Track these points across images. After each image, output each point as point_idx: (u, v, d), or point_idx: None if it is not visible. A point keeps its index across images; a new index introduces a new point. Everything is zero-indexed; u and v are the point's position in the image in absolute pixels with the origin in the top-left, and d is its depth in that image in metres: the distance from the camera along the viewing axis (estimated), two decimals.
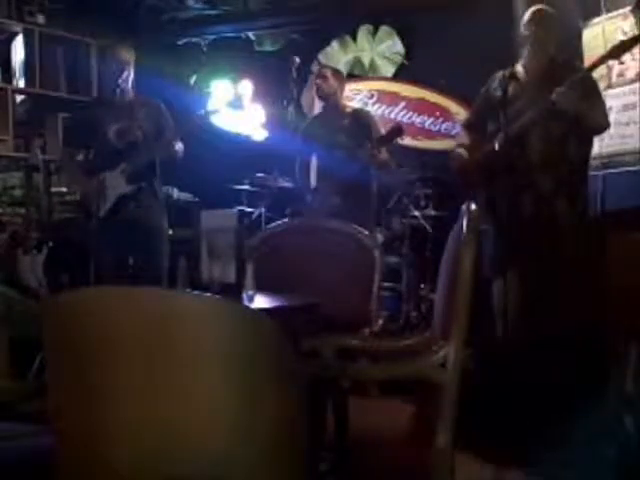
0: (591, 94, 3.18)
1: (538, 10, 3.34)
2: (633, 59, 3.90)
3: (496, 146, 3.23)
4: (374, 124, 4.27)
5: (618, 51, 2.99)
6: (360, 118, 4.27)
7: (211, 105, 3.69)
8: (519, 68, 3.37)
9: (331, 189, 4.07)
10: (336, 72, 4.42)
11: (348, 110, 4.37)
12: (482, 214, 3.35)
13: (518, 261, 3.28)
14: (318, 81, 4.29)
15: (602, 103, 3.26)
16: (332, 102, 4.30)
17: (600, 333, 3.08)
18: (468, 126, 3.67)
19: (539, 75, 3.28)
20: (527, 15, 3.33)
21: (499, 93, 3.35)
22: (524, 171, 3.22)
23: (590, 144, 3.32)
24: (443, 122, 5.36)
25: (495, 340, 3.39)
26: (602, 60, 3.09)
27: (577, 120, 3.12)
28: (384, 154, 4.04)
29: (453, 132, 5.31)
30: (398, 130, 4.01)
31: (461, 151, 3.48)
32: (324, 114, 4.44)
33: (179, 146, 3.71)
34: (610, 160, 3.96)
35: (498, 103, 3.33)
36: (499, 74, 3.42)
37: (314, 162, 4.43)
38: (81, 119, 4.01)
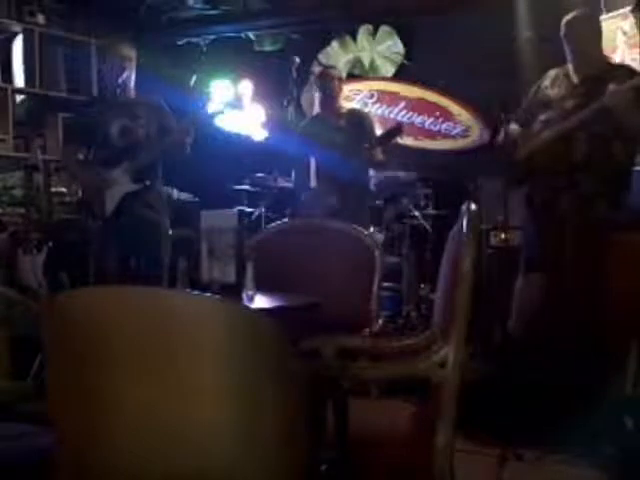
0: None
1: (579, 12, 3.31)
2: (633, 59, 3.91)
3: (540, 142, 3.20)
4: (370, 124, 4.27)
5: None
6: (357, 118, 4.28)
7: (213, 106, 3.68)
8: (571, 68, 3.32)
9: (329, 189, 4.07)
10: (340, 74, 4.46)
11: (344, 111, 4.37)
12: (521, 211, 3.36)
13: (551, 260, 3.26)
14: (335, 82, 4.26)
15: None
16: (331, 103, 4.30)
17: (600, 333, 3.08)
18: (517, 120, 3.53)
19: (589, 77, 3.23)
20: (566, 18, 3.29)
21: (550, 91, 3.33)
22: (567, 170, 3.19)
23: (636, 147, 3.25)
24: (443, 122, 5.36)
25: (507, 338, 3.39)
26: None
27: (623, 122, 3.07)
28: (380, 154, 4.05)
29: (453, 132, 5.32)
30: (398, 129, 4.01)
31: (514, 130, 3.38)
32: (322, 114, 4.44)
33: (189, 142, 3.70)
34: None
35: (548, 101, 3.31)
36: (552, 72, 3.40)
37: (313, 162, 4.43)
38: (82, 117, 3.99)
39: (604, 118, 3.06)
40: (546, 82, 3.40)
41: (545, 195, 3.28)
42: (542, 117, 3.33)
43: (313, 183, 4.45)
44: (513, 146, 3.37)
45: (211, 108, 3.66)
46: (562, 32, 3.30)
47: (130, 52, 3.78)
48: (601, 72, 3.22)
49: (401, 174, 4.75)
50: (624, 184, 3.24)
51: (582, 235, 3.15)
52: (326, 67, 4.76)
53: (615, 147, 3.16)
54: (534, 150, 3.27)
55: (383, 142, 4.02)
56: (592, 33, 3.29)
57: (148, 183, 3.73)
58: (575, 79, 3.28)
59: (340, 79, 4.34)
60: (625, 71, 3.25)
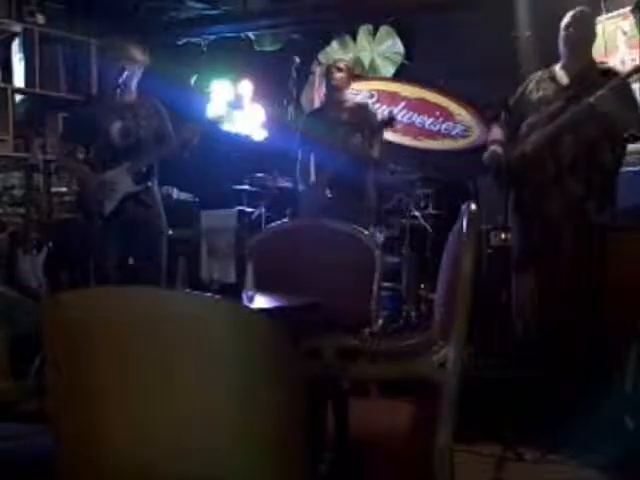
0: (627, 99, 3.15)
1: (580, 12, 3.29)
2: (633, 59, 3.91)
3: (529, 147, 3.20)
4: (374, 117, 4.22)
5: None
6: (361, 113, 4.22)
7: (213, 109, 3.68)
8: (557, 70, 3.33)
9: (323, 181, 4.06)
10: (350, 67, 4.37)
11: (348, 104, 4.31)
12: (511, 213, 3.38)
13: (541, 261, 3.27)
14: (339, 74, 4.21)
15: (637, 108, 3.21)
16: (337, 96, 4.25)
17: (600, 333, 3.08)
18: (501, 124, 3.56)
19: (578, 78, 3.24)
20: (566, 18, 3.29)
21: (535, 94, 3.33)
22: (554, 173, 3.19)
23: (624, 149, 3.26)
24: (443, 122, 5.36)
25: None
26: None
27: (612, 124, 3.09)
28: (376, 152, 4.03)
29: (453, 132, 5.32)
30: (390, 119, 4.00)
31: (496, 148, 3.40)
32: (324, 108, 4.41)
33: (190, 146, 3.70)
34: None
35: (534, 104, 3.31)
36: (537, 74, 3.40)
37: (313, 160, 4.41)
38: (81, 116, 3.97)
39: (592, 119, 3.07)
40: (531, 85, 3.39)
41: (534, 198, 3.28)
42: (528, 120, 3.32)
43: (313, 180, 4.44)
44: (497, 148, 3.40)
45: (212, 111, 3.66)
46: (562, 25, 3.28)
47: (126, 50, 3.77)
48: (590, 73, 3.23)
49: (401, 174, 4.74)
50: (611, 186, 3.25)
51: (575, 236, 3.16)
52: (334, 60, 4.66)
53: (602, 150, 3.16)
54: (522, 154, 3.27)
55: (377, 133, 4.00)
56: (589, 33, 3.30)
57: (150, 184, 3.73)
58: (564, 80, 3.28)
59: (348, 70, 4.23)
60: (610, 72, 3.25)
